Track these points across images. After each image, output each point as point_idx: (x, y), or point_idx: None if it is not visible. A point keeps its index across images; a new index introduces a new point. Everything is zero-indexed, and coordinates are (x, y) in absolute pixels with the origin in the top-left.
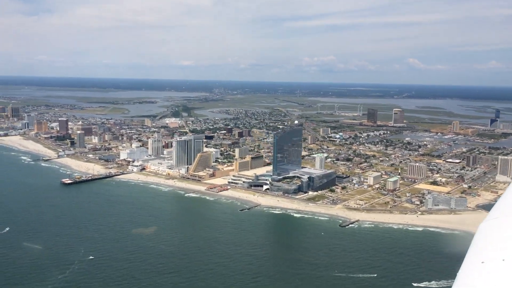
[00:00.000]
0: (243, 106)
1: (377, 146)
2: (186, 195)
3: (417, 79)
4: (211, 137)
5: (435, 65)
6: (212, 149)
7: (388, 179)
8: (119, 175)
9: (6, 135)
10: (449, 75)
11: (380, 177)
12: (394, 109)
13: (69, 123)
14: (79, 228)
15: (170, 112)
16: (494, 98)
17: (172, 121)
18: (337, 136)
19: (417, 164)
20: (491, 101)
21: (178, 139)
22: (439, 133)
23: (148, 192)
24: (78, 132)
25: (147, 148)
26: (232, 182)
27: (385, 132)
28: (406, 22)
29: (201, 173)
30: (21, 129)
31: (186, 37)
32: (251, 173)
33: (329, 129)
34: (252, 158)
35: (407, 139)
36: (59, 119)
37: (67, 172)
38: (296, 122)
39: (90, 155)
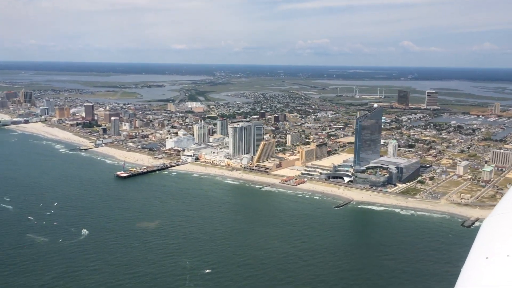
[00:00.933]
0: (255, 89)
1: (427, 130)
2: (263, 189)
3: (412, 62)
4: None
5: (429, 47)
6: None
7: (483, 169)
8: (174, 166)
9: (27, 121)
10: (443, 57)
11: (468, 166)
12: (427, 91)
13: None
14: (185, 237)
15: (185, 96)
16: (501, 79)
17: (196, 106)
18: (383, 120)
19: (501, 150)
20: (501, 82)
21: (236, 126)
22: (480, 116)
23: (217, 185)
24: (113, 118)
25: (192, 135)
26: (306, 174)
27: (424, 115)
28: (401, 4)
29: (267, 164)
30: (40, 116)
31: (179, 20)
32: (320, 163)
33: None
34: (317, 146)
35: (453, 122)
36: (85, 104)
37: (120, 164)
38: (375, 105)
39: (130, 144)
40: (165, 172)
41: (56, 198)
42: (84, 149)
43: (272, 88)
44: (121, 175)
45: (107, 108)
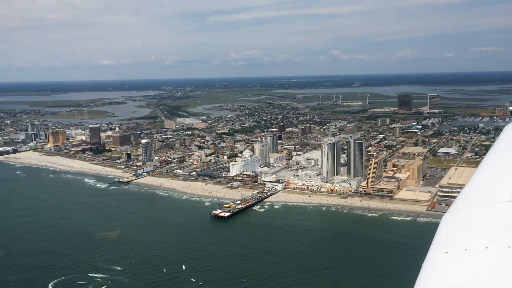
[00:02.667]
0: (225, 102)
1: (470, 135)
2: (417, 220)
3: (342, 70)
4: (280, 137)
5: (356, 55)
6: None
7: None
8: (268, 196)
9: (15, 151)
10: (371, 64)
11: None
12: (429, 95)
13: (76, 131)
14: None
15: (163, 112)
16: (446, 83)
17: (196, 122)
18: (419, 126)
19: None
20: (453, 84)
21: (329, 142)
22: (495, 117)
23: (354, 220)
24: (144, 141)
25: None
26: (445, 196)
27: (437, 119)
28: (328, 14)
29: (384, 186)
30: (29, 143)
31: (105, 35)
32: (456, 181)
33: (387, 119)
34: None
35: (480, 125)
36: (90, 126)
37: (196, 199)
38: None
39: (179, 171)
40: (265, 207)
41: (173, 261)
42: (126, 182)
43: (242, 100)
44: (221, 214)
45: (116, 129)
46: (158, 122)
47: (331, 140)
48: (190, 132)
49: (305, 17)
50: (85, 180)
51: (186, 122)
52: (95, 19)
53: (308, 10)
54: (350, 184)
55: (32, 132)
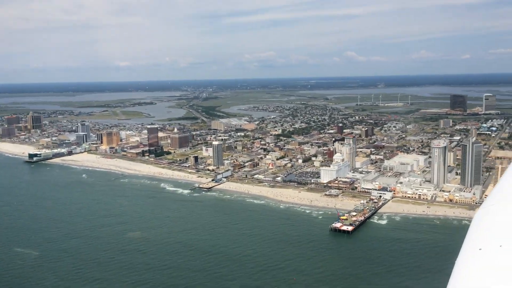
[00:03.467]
0: (255, 102)
1: None
2: None
3: (357, 71)
4: (342, 139)
5: (372, 56)
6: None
7: None
8: (380, 207)
9: (70, 153)
10: (387, 66)
11: None
12: (484, 95)
13: (127, 132)
14: None
15: (199, 113)
16: (485, 83)
17: (245, 123)
18: (493, 128)
19: None
20: (479, 86)
21: (441, 145)
22: None
23: None
24: (215, 143)
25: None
26: None
27: (501, 120)
28: (343, 15)
29: None
30: (77, 143)
31: (120, 37)
32: None
33: (450, 120)
34: None
35: None
36: (148, 127)
37: (300, 209)
38: None
39: (260, 177)
40: (383, 219)
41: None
42: (207, 188)
43: (272, 100)
44: (342, 228)
45: (175, 130)
46: (201, 123)
47: (440, 143)
48: (242, 134)
49: (319, 18)
50: (162, 185)
51: (233, 123)
52: (111, 21)
53: (322, 12)
54: (474, 194)
55: (83, 133)
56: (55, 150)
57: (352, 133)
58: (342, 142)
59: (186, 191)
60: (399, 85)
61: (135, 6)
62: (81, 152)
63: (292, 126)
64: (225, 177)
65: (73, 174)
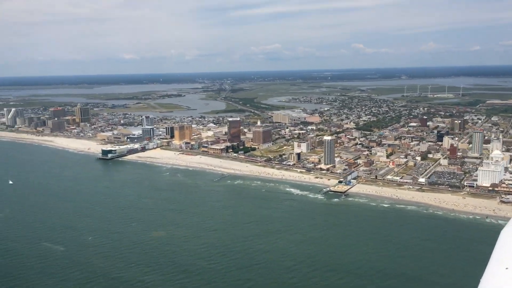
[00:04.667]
0: (292, 94)
1: None
2: None
3: (365, 63)
4: (441, 136)
5: (380, 48)
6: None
7: None
8: None
9: (144, 149)
10: (395, 58)
11: None
12: None
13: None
14: None
15: (243, 105)
16: (489, 75)
17: (309, 115)
18: None
19: None
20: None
21: None
22: None
23: None
24: (327, 138)
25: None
26: None
27: None
28: (350, 7)
29: None
30: (140, 138)
31: (125, 30)
32: None
33: None
34: None
35: None
36: (230, 119)
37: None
38: None
39: (395, 178)
40: None
41: None
42: (342, 192)
43: (304, 92)
44: None
45: (258, 123)
46: (254, 116)
47: None
48: (313, 127)
49: (326, 10)
50: (286, 188)
51: (294, 115)
52: (117, 14)
53: (329, 4)
54: None
55: (149, 127)
56: (128, 146)
57: (468, 124)
58: (452, 136)
59: (319, 196)
60: (421, 76)
61: None
62: (153, 148)
63: (360, 119)
64: (353, 179)
65: (164, 174)
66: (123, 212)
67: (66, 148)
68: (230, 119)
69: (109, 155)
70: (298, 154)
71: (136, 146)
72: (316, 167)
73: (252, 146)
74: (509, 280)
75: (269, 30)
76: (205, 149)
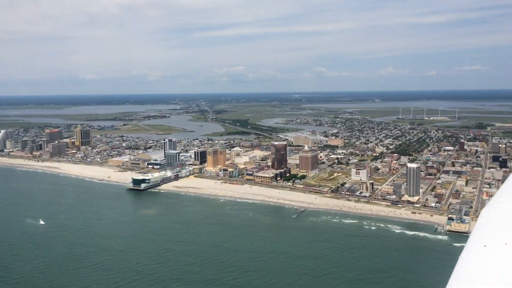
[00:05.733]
0: (280, 116)
1: None
2: None
3: (327, 87)
4: (499, 158)
5: (341, 72)
6: None
7: None
8: None
9: (177, 177)
10: (356, 81)
11: None
12: None
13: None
14: None
15: (242, 127)
16: (474, 98)
17: (332, 139)
18: None
19: None
20: (483, 100)
21: None
22: None
23: None
24: (412, 165)
25: None
26: None
27: None
28: (313, 32)
29: None
30: (164, 163)
31: (87, 49)
32: None
33: None
34: None
35: None
36: (275, 144)
37: None
38: None
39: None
40: None
41: None
42: (466, 233)
43: (292, 114)
44: None
45: (306, 147)
46: (263, 138)
47: None
48: (344, 151)
49: (290, 34)
50: (395, 229)
51: (312, 138)
52: (77, 33)
53: (293, 28)
54: None
55: (173, 152)
56: (161, 174)
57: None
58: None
59: (439, 237)
60: (394, 99)
61: (103, 18)
62: (186, 176)
63: (383, 142)
64: (465, 215)
65: (226, 210)
66: (236, 274)
67: (79, 176)
68: (276, 142)
69: (142, 185)
70: (372, 184)
71: (169, 174)
72: (402, 199)
73: (300, 173)
74: (487, 257)
75: (233, 52)
76: (250, 177)
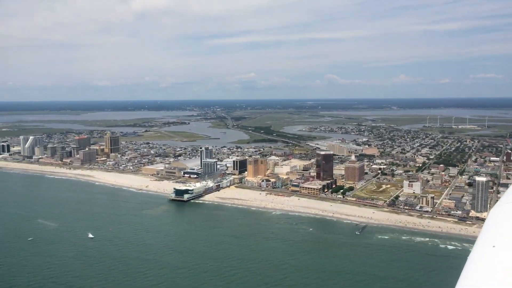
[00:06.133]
0: (299, 124)
1: None
2: None
3: (340, 94)
4: None
5: (353, 80)
6: None
7: None
8: None
9: (218, 188)
10: (368, 89)
11: None
12: None
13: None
14: None
15: (266, 135)
16: (501, 107)
17: (367, 148)
18: None
19: None
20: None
21: None
22: None
23: None
24: (480, 179)
25: None
26: None
27: None
28: (324, 39)
29: None
30: (201, 172)
31: (100, 56)
32: None
33: None
34: None
35: None
36: (322, 153)
37: None
38: None
39: None
40: None
41: None
42: None
43: (310, 121)
44: None
45: (353, 157)
46: (294, 146)
47: None
48: (383, 161)
49: (301, 41)
50: (464, 244)
51: (346, 147)
52: (92, 41)
53: (305, 35)
54: None
55: (211, 160)
56: (202, 184)
57: None
58: None
59: None
60: (411, 107)
61: (117, 26)
62: (227, 186)
63: (418, 153)
64: None
65: (282, 224)
66: None
67: (115, 186)
68: (322, 152)
69: (185, 196)
70: (432, 198)
71: (211, 184)
72: (469, 215)
73: (347, 185)
74: (496, 258)
75: (244, 59)
76: (296, 189)
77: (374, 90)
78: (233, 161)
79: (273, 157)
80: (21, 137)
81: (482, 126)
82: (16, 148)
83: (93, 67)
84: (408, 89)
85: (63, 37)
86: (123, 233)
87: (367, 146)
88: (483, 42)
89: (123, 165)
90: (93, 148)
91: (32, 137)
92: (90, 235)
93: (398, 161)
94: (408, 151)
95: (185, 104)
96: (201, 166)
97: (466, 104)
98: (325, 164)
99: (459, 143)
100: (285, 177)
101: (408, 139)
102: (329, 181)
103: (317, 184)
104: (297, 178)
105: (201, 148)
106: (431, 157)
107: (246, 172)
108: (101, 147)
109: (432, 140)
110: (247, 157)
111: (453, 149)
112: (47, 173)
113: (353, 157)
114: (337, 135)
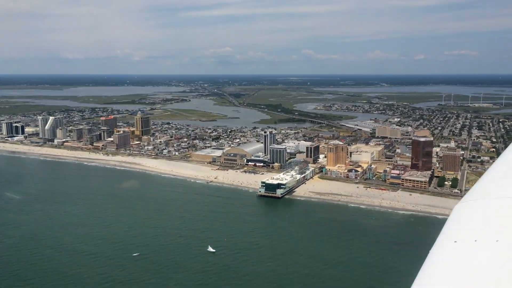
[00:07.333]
0: (307, 102)
1: None
2: None
3: (318, 69)
4: None
5: (330, 55)
6: None
7: None
8: None
9: (304, 179)
10: (344, 64)
11: None
12: None
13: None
14: None
15: (277, 113)
16: (480, 83)
17: (418, 131)
18: None
19: None
20: (502, 86)
21: None
22: None
23: None
24: None
25: None
26: None
27: None
28: (301, 13)
29: None
30: (267, 160)
31: (69, 27)
32: None
33: None
34: None
35: None
36: (418, 138)
37: None
38: None
39: None
40: None
41: None
42: None
43: (315, 99)
44: None
45: (452, 144)
46: (324, 126)
47: None
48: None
49: (278, 15)
50: None
51: (400, 129)
52: (60, 11)
53: (282, 9)
54: None
55: (279, 147)
56: (292, 176)
57: None
58: None
59: None
60: (403, 83)
61: None
62: (311, 178)
63: (474, 135)
64: None
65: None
66: None
67: (178, 176)
68: (421, 138)
69: (278, 192)
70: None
71: (298, 176)
72: None
73: (449, 176)
74: (457, 253)
75: (220, 33)
76: (396, 181)
77: (350, 65)
78: (307, 147)
79: (336, 141)
80: (39, 117)
81: (498, 104)
82: (29, 129)
83: (61, 39)
84: (384, 65)
85: (29, 6)
86: (240, 245)
87: (418, 130)
88: (458, 18)
89: (165, 150)
90: (127, 131)
91: (52, 118)
92: (211, 249)
93: (465, 146)
94: (456, 134)
95: (163, 79)
96: (265, 153)
97: (446, 80)
98: (423, 152)
99: (497, 124)
100: (365, 166)
101: (440, 119)
102: (430, 172)
103: (421, 176)
104: (393, 169)
105: (265, 132)
106: (492, 140)
107: (319, 160)
108: (132, 130)
109: (466, 120)
110: (321, 143)
111: (503, 131)
112: (84, 160)
113: (452, 144)
114: (358, 114)
